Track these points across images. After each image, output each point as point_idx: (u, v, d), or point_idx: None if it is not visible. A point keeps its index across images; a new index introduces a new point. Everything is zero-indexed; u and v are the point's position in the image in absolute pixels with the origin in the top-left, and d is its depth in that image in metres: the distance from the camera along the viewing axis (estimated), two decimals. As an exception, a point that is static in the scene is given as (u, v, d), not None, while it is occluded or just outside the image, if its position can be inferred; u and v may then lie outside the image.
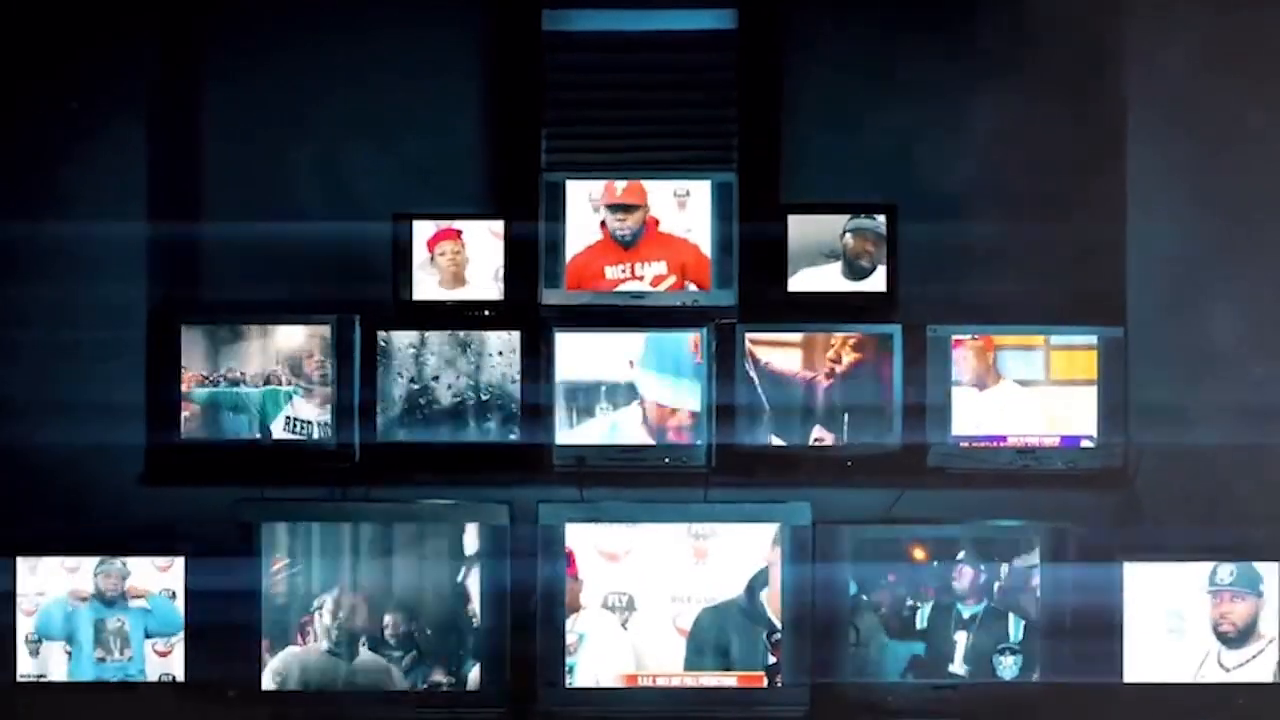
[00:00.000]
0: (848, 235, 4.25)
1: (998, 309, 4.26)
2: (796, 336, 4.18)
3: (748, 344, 4.19)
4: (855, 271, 4.24)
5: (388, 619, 3.91)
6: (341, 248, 4.39)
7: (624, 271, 4.25)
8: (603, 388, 4.18)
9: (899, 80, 4.50)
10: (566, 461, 4.15)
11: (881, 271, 4.24)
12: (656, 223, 4.26)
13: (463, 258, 4.28)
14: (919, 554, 3.93)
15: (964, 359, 4.18)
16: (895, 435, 4.17)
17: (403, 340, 4.20)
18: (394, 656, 3.91)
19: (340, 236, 4.38)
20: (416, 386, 4.23)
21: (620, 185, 4.24)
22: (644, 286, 4.23)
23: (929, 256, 4.36)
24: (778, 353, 4.19)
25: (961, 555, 3.93)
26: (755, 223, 4.28)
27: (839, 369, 4.20)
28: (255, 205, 4.50)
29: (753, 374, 4.17)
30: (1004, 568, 3.92)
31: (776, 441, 4.17)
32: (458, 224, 4.28)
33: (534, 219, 4.23)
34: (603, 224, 4.24)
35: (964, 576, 3.93)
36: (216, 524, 3.96)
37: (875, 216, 4.24)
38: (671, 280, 4.26)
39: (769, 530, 3.92)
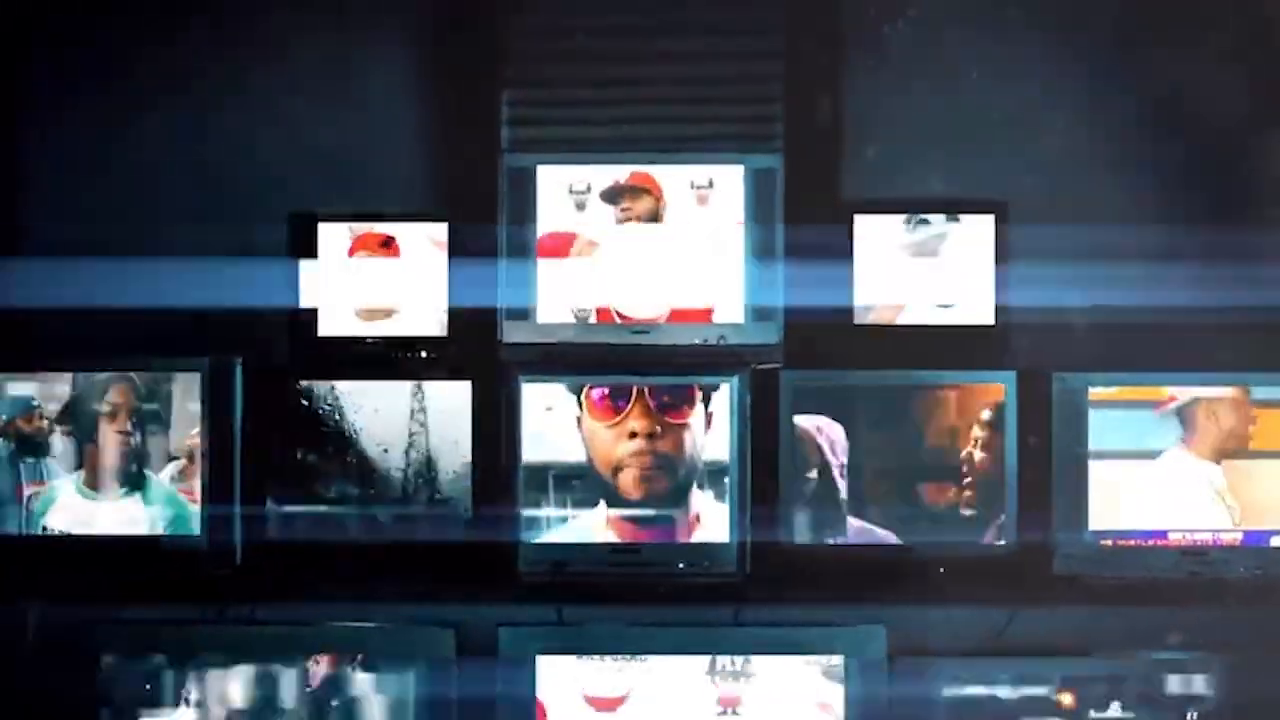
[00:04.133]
0: (917, 246, 3.84)
1: (1151, 349, 3.89)
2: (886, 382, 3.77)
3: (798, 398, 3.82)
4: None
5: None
6: (217, 263, 4.00)
7: None
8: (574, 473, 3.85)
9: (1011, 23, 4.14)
10: (538, 567, 3.75)
11: (979, 297, 3.79)
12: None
13: (390, 276, 3.89)
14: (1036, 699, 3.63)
15: (1107, 420, 3.75)
16: (1007, 529, 3.75)
17: (308, 393, 3.82)
18: None
19: (215, 247, 3.98)
20: (325, 459, 3.82)
21: (624, 171, 3.86)
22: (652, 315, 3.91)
23: (1057, 276, 3.96)
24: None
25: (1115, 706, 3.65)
26: (807, 225, 3.86)
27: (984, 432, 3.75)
28: (91, 202, 4.16)
29: (807, 441, 3.74)
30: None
31: (836, 539, 3.76)
32: (383, 228, 3.88)
33: (492, 220, 3.84)
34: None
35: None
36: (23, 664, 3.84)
37: (957, 219, 3.78)
38: (694, 310, 3.86)
39: (826, 665, 3.67)
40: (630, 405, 3.73)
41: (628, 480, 3.70)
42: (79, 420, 3.82)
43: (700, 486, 3.77)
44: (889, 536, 3.78)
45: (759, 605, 3.84)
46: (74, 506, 3.82)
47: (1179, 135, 4.22)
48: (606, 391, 3.76)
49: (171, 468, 3.81)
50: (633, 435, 3.71)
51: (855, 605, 3.81)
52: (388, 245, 3.92)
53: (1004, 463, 3.78)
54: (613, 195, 3.86)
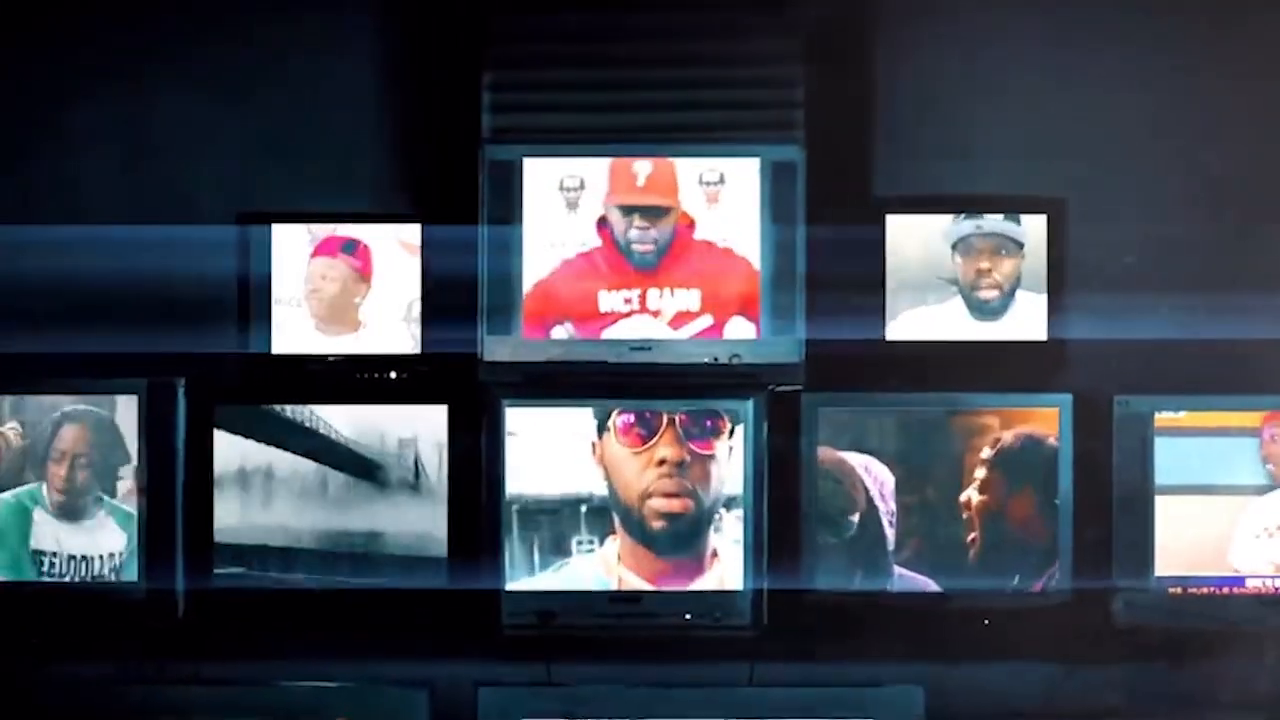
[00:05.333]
0: (956, 250, 3.66)
1: (1225, 368, 3.74)
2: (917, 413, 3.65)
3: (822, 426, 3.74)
4: (975, 307, 3.63)
5: None
6: (156, 270, 3.80)
7: (629, 302, 3.66)
8: (583, 505, 3.60)
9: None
10: (523, 619, 3.61)
11: (1028, 307, 3.65)
12: (691, 225, 3.64)
13: (354, 285, 3.67)
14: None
15: (1176, 450, 3.61)
16: (1061, 575, 3.61)
17: (261, 418, 3.68)
18: None
19: (154, 252, 3.78)
20: (280, 494, 3.70)
21: (643, 169, 3.67)
22: (658, 328, 3.68)
23: (1119, 285, 3.80)
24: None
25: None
26: (832, 226, 3.70)
27: (981, 473, 3.58)
28: (9, 189, 3.96)
29: (852, 481, 3.60)
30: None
31: (865, 585, 3.64)
32: (347, 230, 3.73)
33: (472, 221, 3.68)
34: (602, 224, 3.64)
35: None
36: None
37: (1017, 219, 3.63)
38: (704, 323, 3.65)
39: (857, 732, 3.81)
40: (660, 432, 3.64)
41: (653, 510, 3.60)
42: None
43: (718, 524, 3.64)
44: (925, 583, 3.68)
45: (777, 662, 3.69)
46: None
47: (1244, 137, 3.98)
48: (634, 417, 3.68)
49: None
50: (661, 463, 3.61)
51: (888, 663, 3.67)
52: (352, 250, 3.82)
53: (1057, 498, 3.64)
54: (629, 210, 3.71)
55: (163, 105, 4.02)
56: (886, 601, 3.68)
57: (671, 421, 3.65)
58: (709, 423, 3.69)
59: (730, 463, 3.73)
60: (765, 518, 3.68)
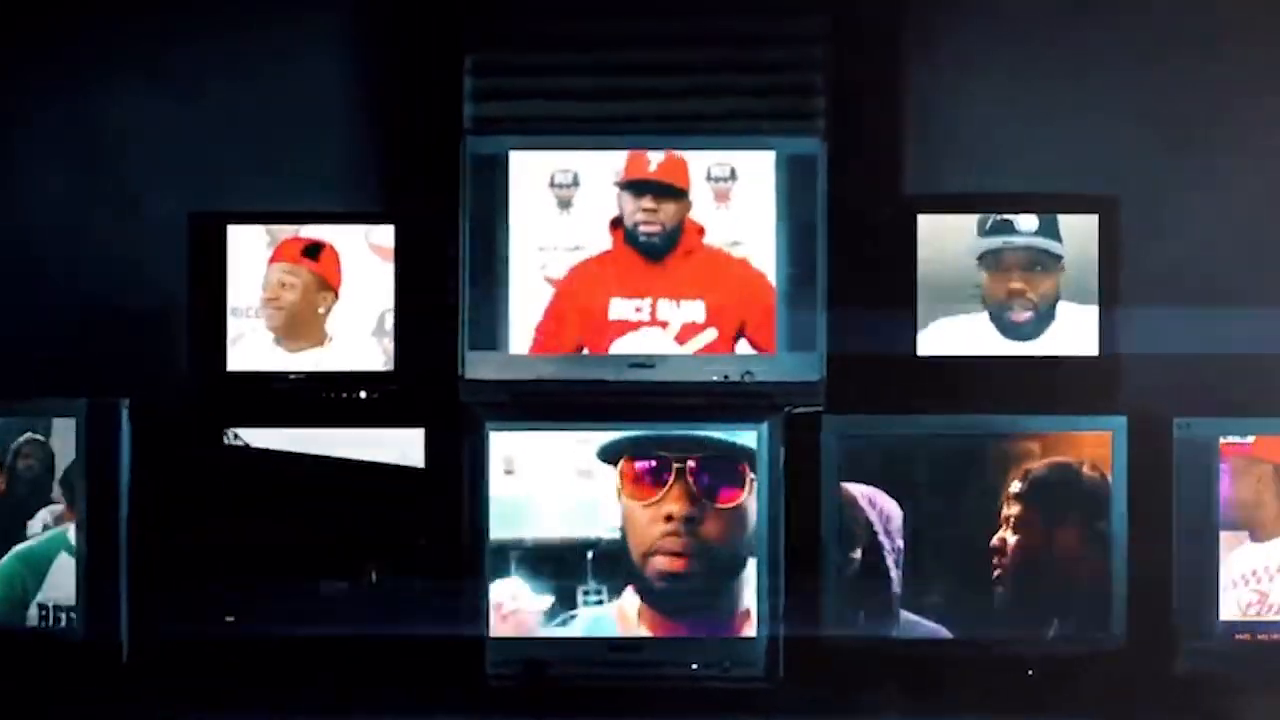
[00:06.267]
0: (983, 265, 3.42)
1: None
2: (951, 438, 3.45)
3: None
4: (1004, 328, 3.43)
5: None
6: (96, 276, 3.67)
7: (640, 311, 3.47)
8: (589, 550, 3.35)
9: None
10: (511, 669, 3.43)
11: (1073, 319, 3.44)
12: (701, 231, 3.42)
13: (318, 293, 3.50)
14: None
15: (1243, 479, 3.39)
16: (1115, 619, 3.43)
17: (215, 442, 3.51)
18: None
19: (98, 257, 3.64)
20: (235, 528, 3.48)
21: (655, 155, 3.50)
22: (665, 341, 3.50)
23: (1178, 294, 3.59)
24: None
25: None
26: (857, 227, 3.53)
27: (1014, 509, 3.36)
28: None
29: (855, 513, 3.38)
30: None
31: (889, 634, 3.48)
32: (312, 231, 3.55)
33: (452, 221, 3.53)
34: (616, 224, 3.44)
35: None
36: None
37: (1055, 231, 3.39)
38: (709, 336, 3.45)
39: (887, 799, 3.67)
40: (670, 484, 3.44)
41: (653, 569, 3.41)
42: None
43: (744, 579, 3.47)
44: (957, 630, 3.47)
45: (794, 717, 3.50)
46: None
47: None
48: (644, 465, 3.50)
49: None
50: (669, 519, 3.40)
51: (922, 719, 3.53)
52: (316, 254, 3.61)
53: (1109, 533, 3.44)
54: (636, 188, 3.53)
55: (103, 91, 3.86)
56: (915, 652, 3.45)
57: (681, 472, 3.38)
58: (725, 470, 3.41)
59: (755, 512, 3.47)
60: (781, 555, 3.48)
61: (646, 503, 3.52)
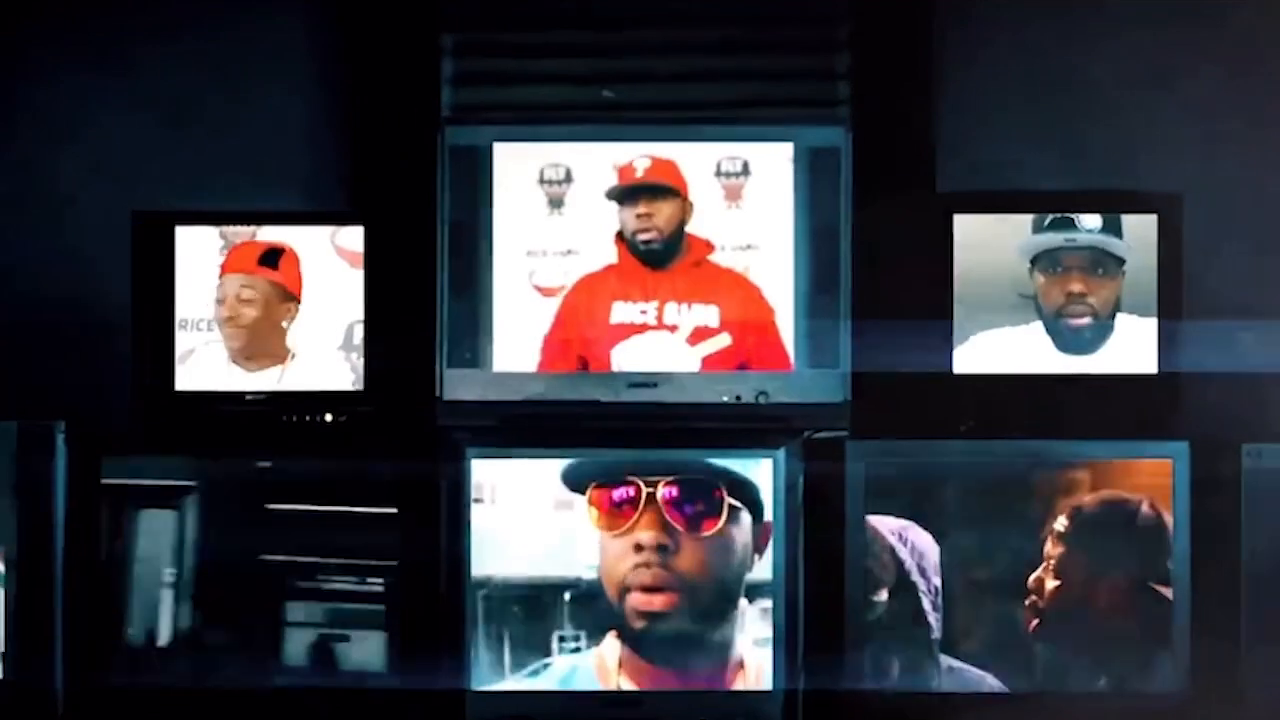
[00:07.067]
0: (1037, 267, 3.22)
1: None
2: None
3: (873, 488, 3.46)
4: (1061, 337, 3.22)
5: None
6: (29, 284, 3.44)
7: (646, 314, 3.28)
8: (567, 592, 3.20)
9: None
10: None
11: (1132, 333, 3.27)
12: (708, 247, 3.22)
13: (278, 304, 3.28)
14: None
15: None
16: (1178, 668, 3.21)
17: (164, 471, 3.27)
18: None
19: (27, 260, 3.41)
20: (184, 568, 3.27)
21: (640, 161, 3.34)
22: (674, 345, 3.29)
23: (1247, 306, 3.38)
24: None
25: None
26: (885, 228, 3.31)
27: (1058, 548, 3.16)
28: None
29: (883, 552, 3.19)
30: None
31: (927, 689, 3.24)
32: (270, 233, 3.32)
33: (429, 221, 3.27)
34: (619, 237, 3.29)
35: None
36: None
37: (1118, 229, 3.20)
38: (723, 343, 3.22)
39: None
40: (639, 510, 3.18)
41: (630, 607, 3.21)
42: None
43: (740, 623, 3.25)
44: (1000, 683, 3.32)
45: None
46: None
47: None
48: (613, 492, 3.31)
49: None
50: (638, 548, 3.19)
51: None
52: (275, 260, 3.37)
53: (1170, 572, 3.25)
54: (626, 195, 3.35)
55: (36, 73, 3.69)
56: (955, 707, 3.23)
57: (651, 497, 3.17)
58: (701, 495, 3.25)
59: (740, 543, 3.29)
60: (801, 600, 3.30)
61: (616, 533, 3.30)
